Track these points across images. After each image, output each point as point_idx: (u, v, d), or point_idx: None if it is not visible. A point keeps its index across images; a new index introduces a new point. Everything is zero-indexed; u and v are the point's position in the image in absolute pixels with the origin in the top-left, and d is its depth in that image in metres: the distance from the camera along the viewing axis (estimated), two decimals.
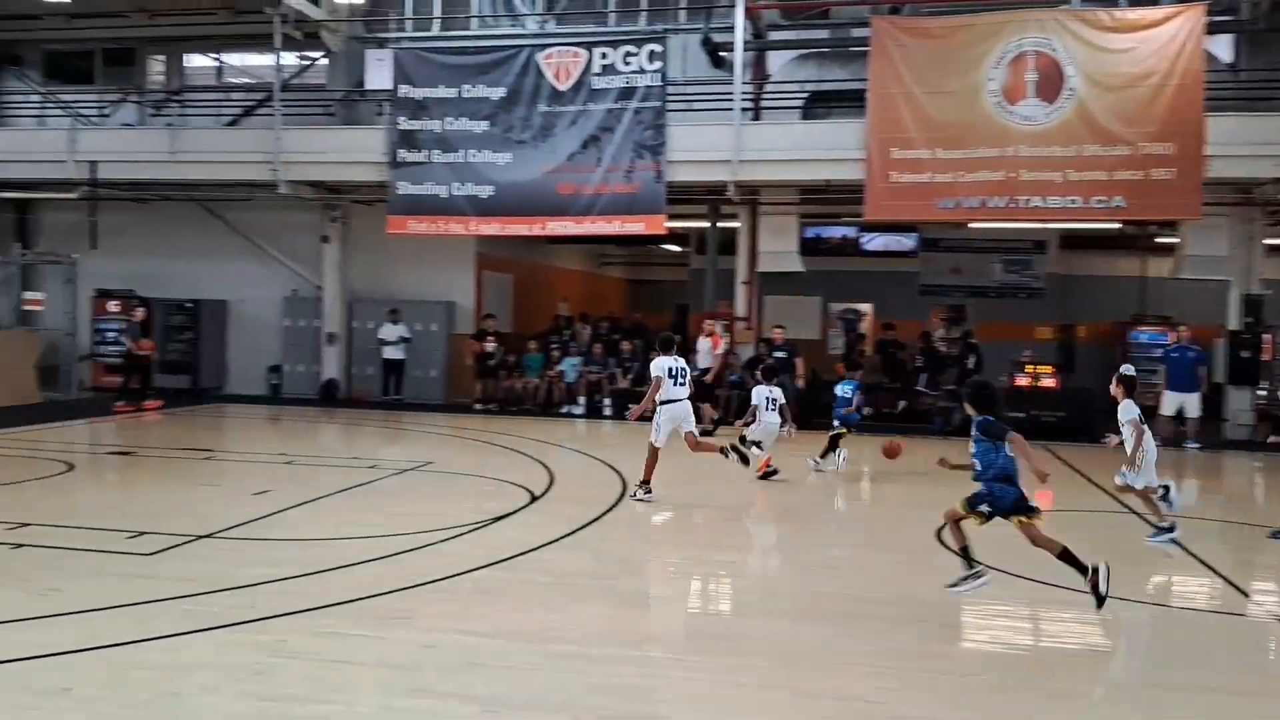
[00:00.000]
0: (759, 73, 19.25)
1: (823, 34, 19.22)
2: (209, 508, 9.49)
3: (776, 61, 19.51)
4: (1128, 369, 8.80)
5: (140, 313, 17.99)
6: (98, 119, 20.87)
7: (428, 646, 5.75)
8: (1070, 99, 15.59)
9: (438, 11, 20.26)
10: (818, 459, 12.36)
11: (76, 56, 21.74)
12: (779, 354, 16.60)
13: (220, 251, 20.60)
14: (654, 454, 10.26)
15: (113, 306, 19.82)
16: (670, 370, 10.26)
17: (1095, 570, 6.44)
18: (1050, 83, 15.65)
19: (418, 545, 8.09)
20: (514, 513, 9.49)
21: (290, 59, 20.36)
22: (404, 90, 18.11)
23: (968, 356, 17.77)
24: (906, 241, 22.01)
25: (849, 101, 17.76)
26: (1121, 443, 8.60)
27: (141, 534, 8.16)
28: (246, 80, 21.52)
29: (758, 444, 11.65)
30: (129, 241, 20.51)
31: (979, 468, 6.51)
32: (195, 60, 21.99)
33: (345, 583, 6.96)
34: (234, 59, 21.82)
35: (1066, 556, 6.49)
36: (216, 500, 9.98)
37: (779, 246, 18.18)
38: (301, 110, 19.94)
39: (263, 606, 6.37)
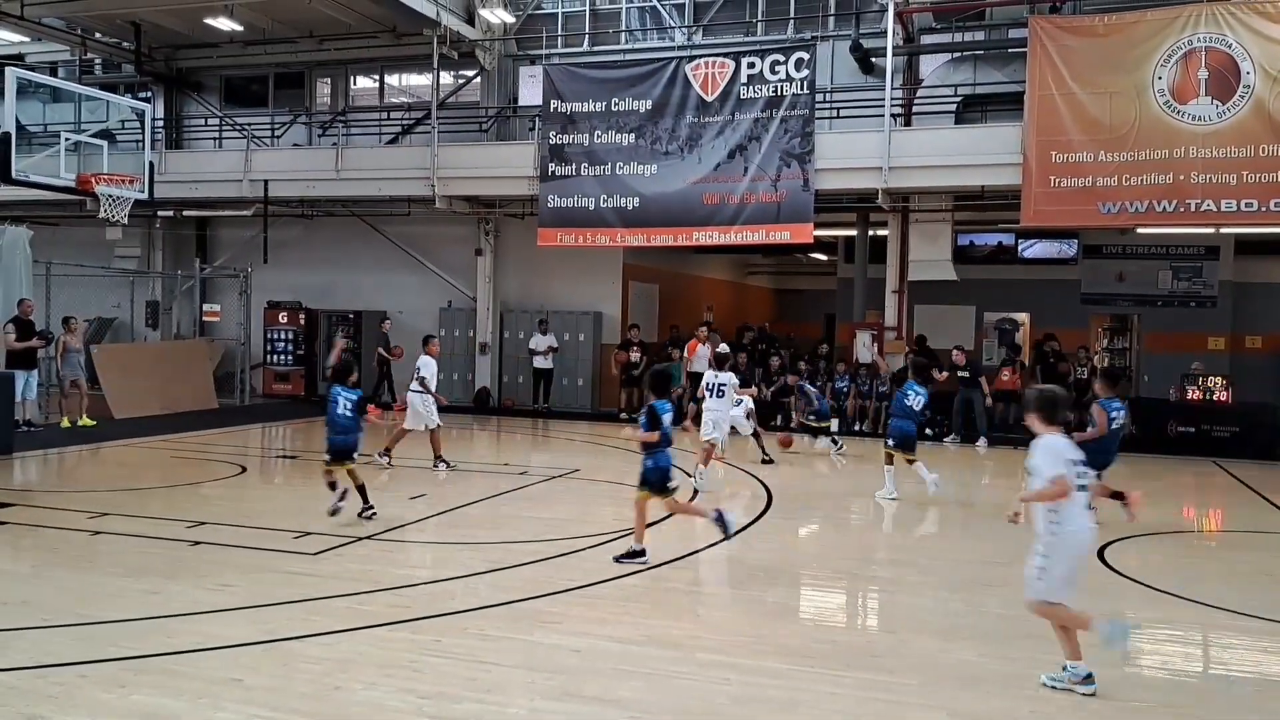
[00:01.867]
0: (910, 77, 18.82)
1: (978, 36, 18.63)
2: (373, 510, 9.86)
3: (928, 65, 19.03)
4: None
5: (388, 324, 19.38)
6: (269, 140, 22.14)
7: (575, 651, 5.81)
8: (1246, 97, 14.61)
9: (588, 27, 20.66)
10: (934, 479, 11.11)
11: (251, 81, 23.14)
12: (963, 373, 16.28)
13: (380, 264, 21.51)
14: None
15: (282, 317, 20.99)
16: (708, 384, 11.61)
17: None
18: (1223, 80, 14.71)
19: (566, 551, 8.19)
20: (657, 522, 9.50)
21: (447, 78, 21.14)
22: (554, 105, 18.52)
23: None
24: (1067, 248, 21.03)
25: (1005, 104, 17.18)
26: None
27: (306, 534, 8.56)
28: (406, 100, 22.44)
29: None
30: (296, 255, 21.66)
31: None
32: (359, 82, 23.06)
33: (497, 586, 7.11)
34: (395, 79, 22.79)
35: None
36: (375, 503, 10.36)
37: (931, 254, 17.69)
38: (457, 127, 20.67)
39: (418, 607, 6.57)
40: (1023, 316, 21.61)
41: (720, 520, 7.88)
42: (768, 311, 30.36)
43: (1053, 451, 5.32)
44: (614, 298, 20.67)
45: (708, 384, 11.80)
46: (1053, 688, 5.35)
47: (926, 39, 18.73)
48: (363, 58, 21.80)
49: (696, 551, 8.35)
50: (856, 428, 17.47)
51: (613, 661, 5.66)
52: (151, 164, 15.07)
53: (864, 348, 17.61)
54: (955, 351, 16.72)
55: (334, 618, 6.31)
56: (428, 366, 12.46)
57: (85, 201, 14.46)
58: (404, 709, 4.93)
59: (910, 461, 10.92)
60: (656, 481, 7.80)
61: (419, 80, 21.89)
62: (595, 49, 20.47)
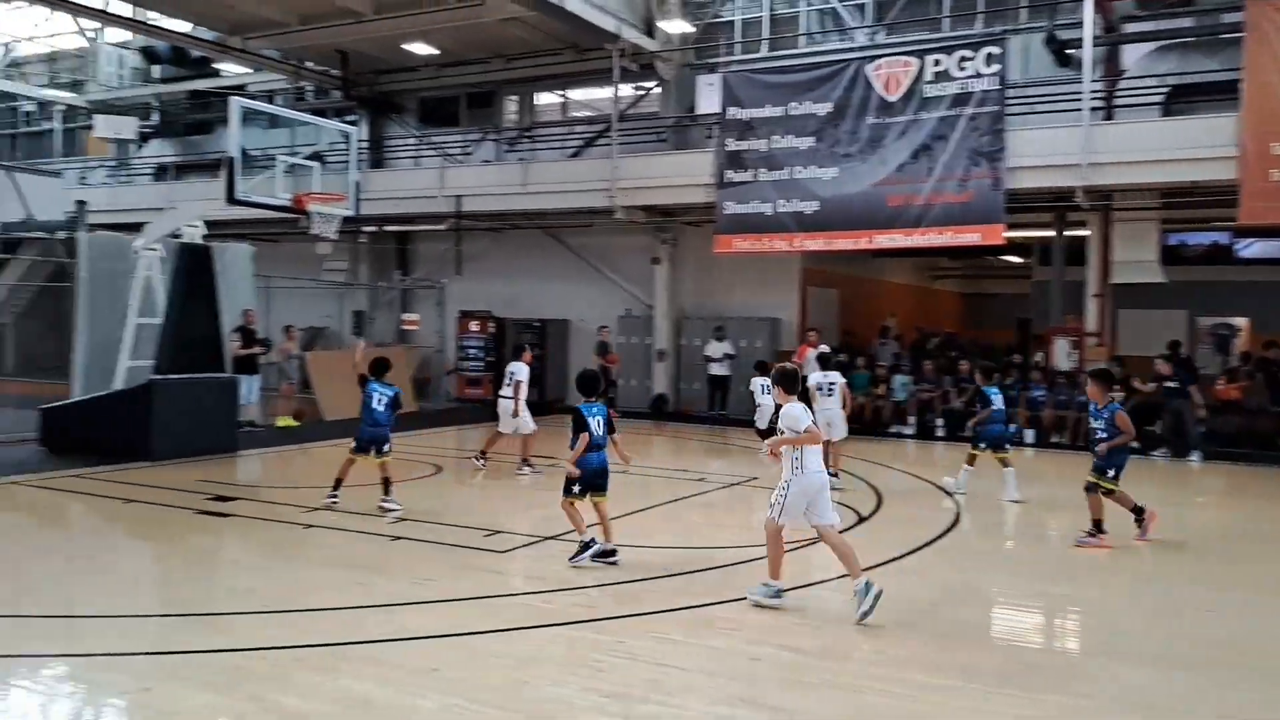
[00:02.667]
0: (1111, 69, 17.81)
1: (1186, 23, 17.43)
2: (552, 511, 10.17)
3: (1131, 55, 17.95)
4: None
5: (606, 331, 19.93)
6: (461, 157, 23.20)
7: (755, 659, 5.81)
8: None
9: (765, 33, 20.61)
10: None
11: (445, 102, 24.31)
12: (1169, 384, 15.28)
13: (562, 274, 22.15)
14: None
15: (473, 326, 21.96)
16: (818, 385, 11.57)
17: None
18: None
19: (746, 559, 8.19)
20: (840, 532, 9.35)
21: (626, 90, 21.56)
22: (732, 112, 18.57)
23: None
24: None
25: (1218, 94, 15.98)
26: None
27: (496, 533, 8.93)
28: (587, 113, 23.03)
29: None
30: (486, 267, 22.59)
31: None
32: (544, 98, 23.84)
33: (677, 590, 7.21)
34: (577, 94, 23.43)
35: None
36: (558, 504, 10.67)
37: (1136, 255, 16.68)
38: (636, 138, 21.06)
39: (601, 607, 6.74)
40: (1241, 321, 20.00)
41: (585, 548, 7.70)
42: (956, 317, 29.36)
43: (797, 413, 6.78)
44: (791, 304, 20.50)
45: (817, 384, 11.61)
46: (755, 602, 6.74)
47: (1129, 27, 17.67)
48: (547, 74, 22.51)
49: (885, 563, 8.18)
50: (1054, 440, 16.63)
51: (792, 671, 5.64)
52: (357, 183, 16.03)
53: (1062, 355, 16.75)
54: (1159, 361, 15.67)
55: (522, 614, 6.56)
56: (521, 372, 12.54)
57: (299, 219, 15.54)
58: (587, 707, 5.08)
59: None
60: (585, 483, 7.88)
61: (600, 93, 22.43)
62: (773, 54, 20.39)
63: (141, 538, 9.11)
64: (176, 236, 14.22)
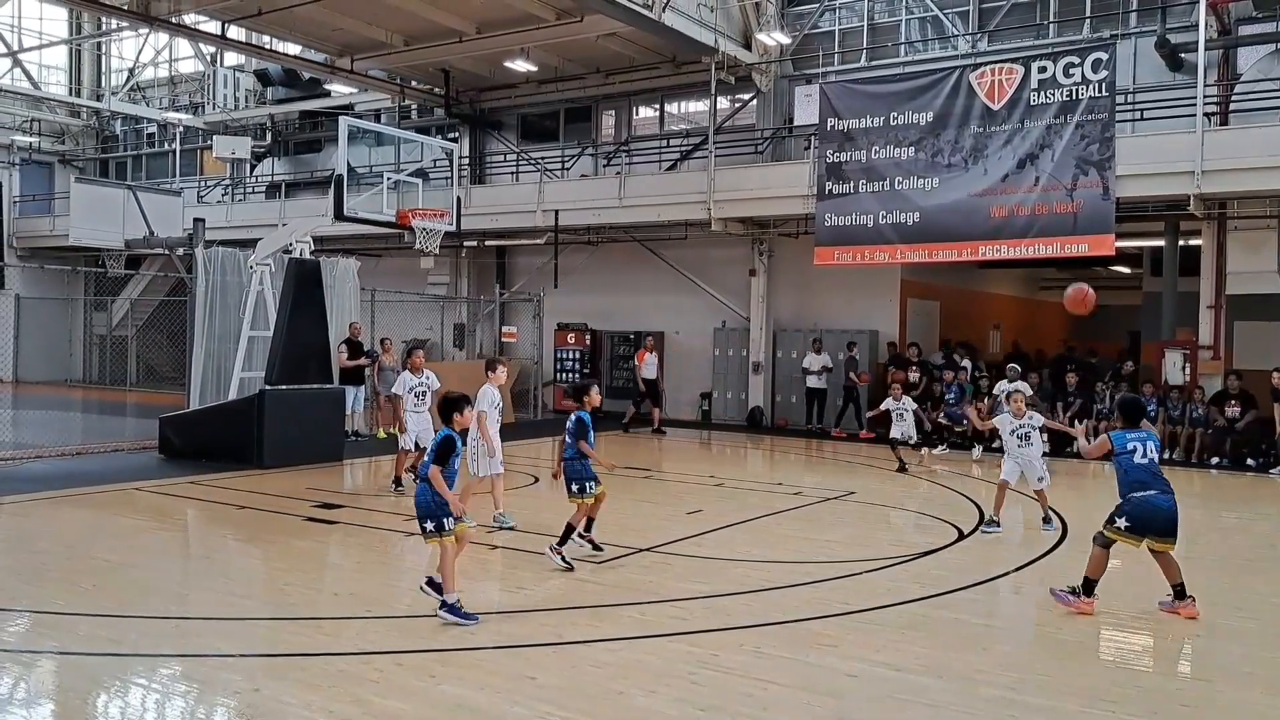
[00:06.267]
0: (1226, 72, 17.10)
1: None
2: (648, 523, 10.24)
3: (1248, 58, 17.21)
4: None
5: (854, 348, 19.24)
6: (559, 172, 23.52)
7: (851, 676, 5.73)
8: None
9: (865, 43, 20.40)
10: None
11: (544, 117, 24.71)
12: None
13: (658, 286, 22.25)
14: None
15: (570, 338, 22.22)
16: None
17: None
18: None
19: (843, 574, 8.10)
20: (941, 549, 9.18)
21: (723, 102, 21.59)
22: (831, 123, 18.41)
23: None
24: None
25: None
26: None
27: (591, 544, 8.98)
28: (684, 126, 23.12)
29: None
30: (583, 280, 22.83)
31: None
32: (641, 112, 24.03)
33: (772, 604, 7.16)
34: (674, 107, 23.55)
35: None
36: (655, 516, 10.72)
37: (1254, 265, 15.99)
38: (733, 150, 21.05)
39: (696, 620, 6.74)
40: None
41: (430, 582, 6.70)
42: (1062, 329, 28.46)
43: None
44: (891, 316, 20.19)
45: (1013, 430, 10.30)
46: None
47: (1245, 29, 16.95)
48: (644, 88, 22.69)
49: (990, 580, 7.98)
50: (1166, 455, 15.97)
51: (889, 689, 5.54)
52: (459, 198, 16.42)
53: (1174, 368, 16.12)
54: (1276, 373, 14.94)
55: (616, 625, 6.60)
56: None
57: (403, 234, 15.98)
58: (679, 718, 5.08)
59: None
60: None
61: (696, 106, 22.51)
62: (873, 64, 20.16)
63: (252, 542, 9.47)
64: (288, 252, 14.75)
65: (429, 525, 6.55)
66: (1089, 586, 7.12)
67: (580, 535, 8.39)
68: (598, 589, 7.51)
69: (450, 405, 7.00)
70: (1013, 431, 10.08)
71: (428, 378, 11.45)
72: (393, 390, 12.74)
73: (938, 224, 17.26)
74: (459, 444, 6.84)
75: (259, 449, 13.30)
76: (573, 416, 8.47)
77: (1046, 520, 10.05)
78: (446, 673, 5.67)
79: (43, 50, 31.48)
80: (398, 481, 11.63)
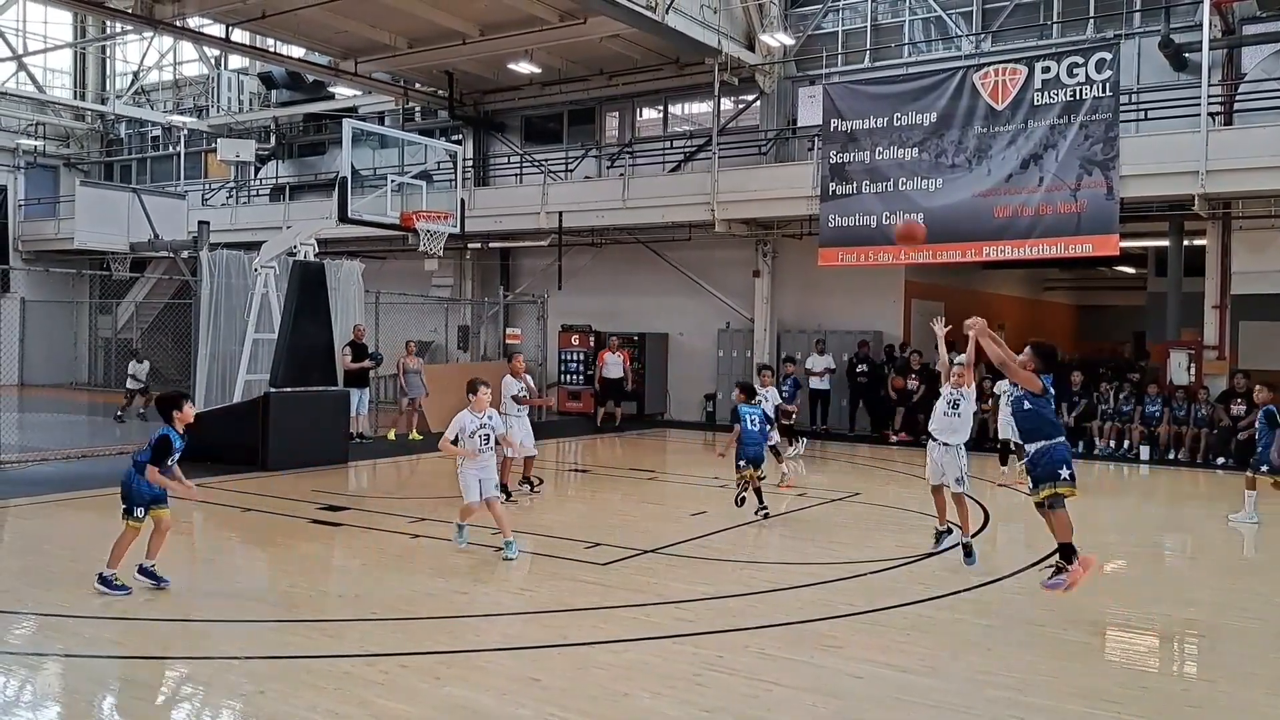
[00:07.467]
0: (1230, 72, 17.08)
1: None
2: (652, 525, 10.25)
3: (1252, 58, 17.19)
4: None
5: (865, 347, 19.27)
6: (563, 173, 23.54)
7: (857, 678, 5.73)
8: None
9: (868, 43, 20.39)
10: None
11: (548, 119, 24.72)
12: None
13: (662, 288, 22.25)
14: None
15: (574, 340, 22.23)
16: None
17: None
18: None
19: (847, 575, 8.10)
20: (946, 550, 9.16)
21: (727, 104, 21.60)
22: (834, 124, 18.41)
23: None
24: None
25: None
26: None
27: (597, 545, 9.01)
28: (688, 128, 23.12)
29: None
30: (586, 281, 22.83)
31: None
32: (644, 113, 24.03)
33: (777, 606, 7.16)
34: (677, 109, 23.55)
35: None
36: (659, 518, 10.73)
37: (1259, 265, 15.96)
38: (736, 151, 21.04)
39: (700, 621, 6.74)
40: None
41: (142, 569, 7.26)
42: (1068, 330, 28.44)
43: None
44: (894, 317, 20.18)
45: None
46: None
47: (1249, 29, 16.93)
48: (648, 90, 22.69)
49: (994, 581, 7.98)
50: (1171, 456, 15.97)
51: (894, 691, 5.54)
52: (463, 200, 16.43)
53: (1179, 368, 16.11)
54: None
55: (621, 626, 6.60)
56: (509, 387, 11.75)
57: (407, 236, 15.99)
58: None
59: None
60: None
61: (700, 108, 22.51)
62: (876, 64, 20.15)
63: (257, 545, 9.48)
64: (292, 254, 14.78)
65: (124, 506, 7.14)
66: (1070, 552, 6.83)
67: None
68: (601, 590, 7.51)
69: (168, 403, 7.24)
70: (946, 399, 9.30)
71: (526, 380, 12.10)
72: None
73: (941, 224, 17.21)
74: (176, 442, 7.11)
75: (264, 451, 13.32)
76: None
77: (946, 532, 8.88)
78: (451, 674, 5.68)
79: (47, 54, 31.53)
80: (527, 484, 11.96)
